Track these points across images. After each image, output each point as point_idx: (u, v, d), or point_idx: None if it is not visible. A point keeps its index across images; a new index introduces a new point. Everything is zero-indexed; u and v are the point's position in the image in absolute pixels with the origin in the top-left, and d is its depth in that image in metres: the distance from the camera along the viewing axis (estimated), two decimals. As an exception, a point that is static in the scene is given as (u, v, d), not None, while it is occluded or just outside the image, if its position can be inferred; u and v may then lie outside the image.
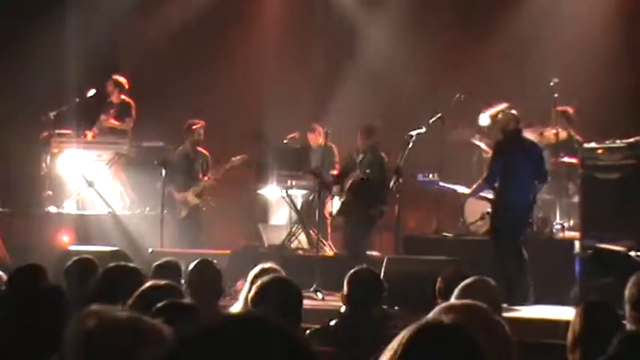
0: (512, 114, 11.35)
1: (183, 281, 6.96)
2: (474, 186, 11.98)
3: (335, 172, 13.92)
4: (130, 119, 14.44)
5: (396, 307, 8.24)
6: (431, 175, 12.55)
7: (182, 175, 13.51)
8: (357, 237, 12.57)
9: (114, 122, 14.37)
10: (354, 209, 12.49)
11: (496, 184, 11.34)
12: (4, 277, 6.44)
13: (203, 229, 13.96)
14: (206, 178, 13.67)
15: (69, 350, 2.62)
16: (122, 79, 14.53)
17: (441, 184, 12.49)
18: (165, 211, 13.47)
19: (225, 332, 1.86)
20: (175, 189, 13.52)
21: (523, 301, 10.61)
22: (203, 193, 13.67)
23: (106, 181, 14.35)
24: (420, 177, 12.50)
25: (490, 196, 11.75)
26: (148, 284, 4.68)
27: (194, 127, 13.52)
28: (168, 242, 12.92)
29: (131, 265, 6.14)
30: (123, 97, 14.48)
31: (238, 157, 13.72)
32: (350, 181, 12.60)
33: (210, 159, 13.84)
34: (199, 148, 13.75)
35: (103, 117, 14.49)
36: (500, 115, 11.62)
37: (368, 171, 12.41)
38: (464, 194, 12.30)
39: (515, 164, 11.04)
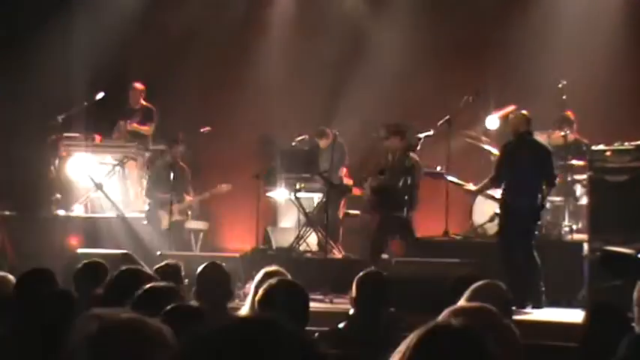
0: (524, 115, 11.27)
1: (186, 282, 6.97)
2: (481, 184, 11.93)
3: (344, 172, 13.93)
4: (152, 124, 14.58)
5: (404, 310, 8.23)
6: (439, 168, 12.51)
7: (165, 186, 13.52)
8: (376, 240, 12.44)
9: (137, 127, 14.46)
10: (382, 210, 12.34)
11: (503, 186, 11.31)
12: (13, 280, 6.44)
13: (196, 236, 14.03)
14: (189, 198, 13.71)
15: (73, 353, 2.63)
16: (142, 86, 14.68)
17: (448, 177, 12.44)
18: (146, 220, 13.59)
19: (237, 335, 1.86)
20: (160, 199, 13.59)
21: (536, 306, 10.56)
22: (186, 211, 13.78)
23: (114, 184, 14.37)
24: (425, 170, 12.47)
25: (496, 195, 11.73)
26: (147, 286, 4.69)
27: (178, 141, 13.64)
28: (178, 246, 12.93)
29: (142, 268, 6.15)
30: (145, 102, 14.60)
31: (223, 186, 13.82)
32: (375, 184, 12.41)
33: (190, 176, 13.90)
34: (180, 163, 13.84)
35: (125, 122, 14.57)
36: (511, 116, 11.54)
37: (394, 168, 12.22)
38: (469, 190, 12.23)
39: (522, 166, 10.98)
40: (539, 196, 11.01)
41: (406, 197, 12.26)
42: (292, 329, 1.90)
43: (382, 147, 12.96)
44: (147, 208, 13.78)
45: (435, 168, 12.57)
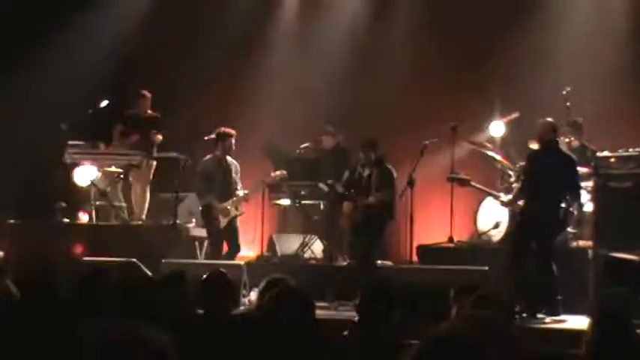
0: (550, 122, 11.13)
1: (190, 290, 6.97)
2: (513, 195, 11.77)
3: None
4: (161, 133, 14.49)
5: (410, 318, 8.22)
6: (462, 174, 12.44)
7: (220, 184, 13.19)
8: (371, 249, 12.51)
9: (159, 137, 14.40)
10: (368, 227, 12.45)
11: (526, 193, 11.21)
12: (16, 290, 6.44)
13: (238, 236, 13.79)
14: (245, 192, 13.30)
15: None
16: (149, 94, 14.60)
17: (473, 183, 12.36)
18: (202, 222, 13.43)
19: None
20: (215, 199, 13.20)
21: (552, 314, 10.48)
22: (241, 205, 13.36)
23: (119, 192, 14.39)
24: (451, 175, 12.40)
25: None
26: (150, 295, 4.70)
27: (226, 136, 13.22)
28: (183, 254, 12.88)
29: (148, 276, 6.16)
30: (151, 111, 14.56)
31: (277, 173, 13.46)
32: (364, 205, 12.47)
33: (239, 169, 13.51)
34: (229, 157, 13.35)
35: (124, 127, 14.54)
36: (538, 124, 11.38)
37: (380, 193, 12.33)
38: (503, 202, 12.02)
39: (545, 175, 10.86)
40: (561, 205, 10.87)
41: (390, 209, 12.37)
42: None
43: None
44: (200, 210, 13.49)
45: (459, 174, 12.48)
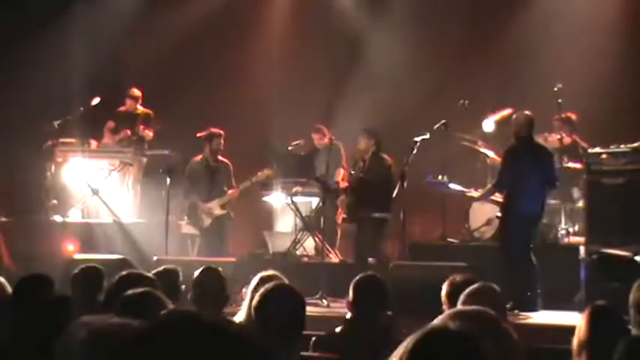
0: (527, 116, 11.17)
1: (183, 287, 6.96)
2: (484, 190, 11.94)
3: (340, 175, 13.91)
4: (152, 130, 14.49)
5: (401, 314, 8.23)
6: (440, 177, 12.51)
7: (205, 185, 13.27)
8: (365, 243, 12.51)
9: (149, 133, 14.38)
10: (359, 213, 12.45)
11: (505, 190, 11.25)
12: (8, 287, 6.43)
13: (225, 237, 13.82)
14: (231, 192, 13.39)
15: None
16: (140, 92, 14.59)
17: (451, 185, 12.43)
18: (187, 221, 13.47)
19: (164, 334, 1.87)
20: (199, 199, 13.26)
21: (531, 309, 10.54)
22: (227, 205, 13.45)
23: (111, 190, 14.36)
24: (429, 178, 12.46)
25: (498, 199, 11.69)
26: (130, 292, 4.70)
27: (213, 136, 13.31)
28: (175, 251, 12.90)
29: (145, 273, 6.15)
30: (142, 108, 14.54)
31: (265, 172, 13.49)
32: (350, 184, 12.55)
33: (232, 167, 13.56)
34: (220, 157, 13.50)
35: (114, 124, 14.51)
36: (514, 117, 11.43)
37: (366, 170, 12.36)
38: (472, 197, 12.23)
39: (525, 170, 10.91)
40: (541, 199, 10.95)
41: (381, 195, 12.34)
42: (217, 324, 1.94)
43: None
44: (187, 211, 13.59)
45: (438, 177, 12.58)
